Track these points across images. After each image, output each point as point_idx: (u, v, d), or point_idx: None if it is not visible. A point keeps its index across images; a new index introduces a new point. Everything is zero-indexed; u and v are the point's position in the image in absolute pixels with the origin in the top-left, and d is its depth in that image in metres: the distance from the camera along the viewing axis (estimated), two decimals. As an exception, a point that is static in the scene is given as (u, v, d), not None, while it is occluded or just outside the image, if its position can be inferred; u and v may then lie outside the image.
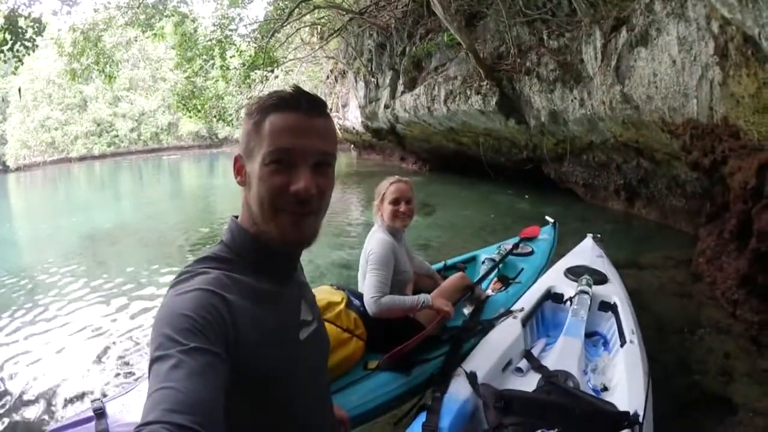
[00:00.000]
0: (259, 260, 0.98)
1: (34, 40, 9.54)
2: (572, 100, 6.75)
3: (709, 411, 2.84)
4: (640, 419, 1.74)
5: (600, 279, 3.06)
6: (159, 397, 0.67)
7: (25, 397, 3.39)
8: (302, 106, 0.94)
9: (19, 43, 9.35)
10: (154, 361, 0.74)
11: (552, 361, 2.28)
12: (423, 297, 2.47)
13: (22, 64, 10.07)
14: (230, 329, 0.83)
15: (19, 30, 9.29)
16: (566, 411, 1.76)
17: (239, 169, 1.00)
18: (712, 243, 4.38)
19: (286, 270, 1.06)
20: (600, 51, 5.71)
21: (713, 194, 4.55)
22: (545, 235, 4.24)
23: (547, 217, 4.58)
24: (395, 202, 2.63)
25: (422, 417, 1.88)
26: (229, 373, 0.78)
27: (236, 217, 1.04)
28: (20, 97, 32.57)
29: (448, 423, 1.84)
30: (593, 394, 2.07)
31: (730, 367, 3.19)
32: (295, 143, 0.92)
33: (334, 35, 14.08)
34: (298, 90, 0.96)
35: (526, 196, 9.89)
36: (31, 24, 9.45)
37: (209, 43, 13.02)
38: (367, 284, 2.42)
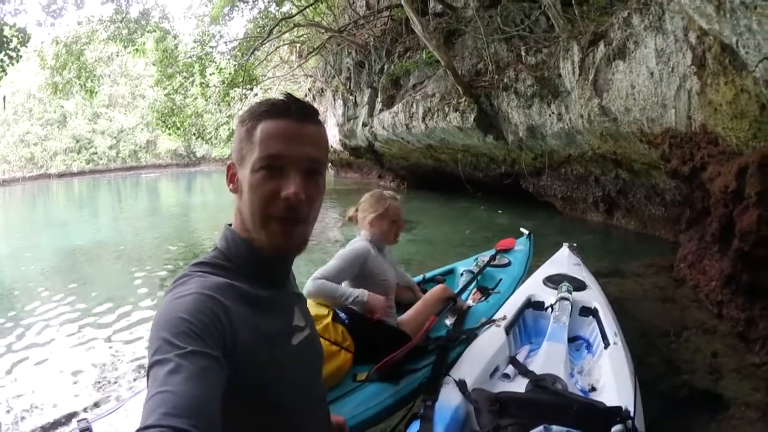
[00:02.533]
0: (254, 267, 0.99)
1: (19, 50, 9.44)
2: (550, 115, 6.91)
3: (701, 408, 2.88)
4: (632, 414, 1.79)
5: (579, 285, 3.12)
6: (157, 402, 0.67)
7: (8, 419, 3.27)
8: (294, 113, 0.95)
9: (3, 52, 9.23)
10: (152, 365, 0.74)
11: (538, 365, 2.31)
12: (358, 292, 2.48)
13: (6, 74, 9.91)
14: (227, 333, 0.83)
15: (4, 39, 9.17)
16: (562, 408, 1.79)
17: (232, 177, 1.00)
18: (693, 247, 4.50)
19: (279, 276, 1.07)
20: (578, 65, 5.87)
21: (692, 200, 4.68)
22: (521, 246, 4.31)
23: (522, 229, 4.66)
24: (397, 220, 2.75)
25: (415, 426, 1.89)
26: (226, 376, 0.79)
27: (230, 224, 1.04)
28: (4, 107, 31.69)
29: (442, 430, 1.85)
30: (581, 394, 2.10)
31: (718, 365, 3.24)
32: (285, 149, 0.93)
33: (313, 53, 14.20)
34: (289, 97, 0.98)
35: (500, 211, 10.04)
36: (16, 33, 9.36)
37: (189, 59, 13.05)
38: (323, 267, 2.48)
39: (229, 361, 0.80)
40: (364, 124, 12.99)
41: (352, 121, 14.07)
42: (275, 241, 0.96)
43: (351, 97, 14.07)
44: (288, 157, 0.93)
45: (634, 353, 2.53)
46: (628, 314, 4.17)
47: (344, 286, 2.52)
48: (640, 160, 6.00)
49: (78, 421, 1.90)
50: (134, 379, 3.70)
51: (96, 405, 3.37)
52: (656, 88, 4.56)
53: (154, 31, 13.04)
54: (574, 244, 4.13)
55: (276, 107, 0.95)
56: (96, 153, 38.26)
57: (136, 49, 13.15)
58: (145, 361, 3.44)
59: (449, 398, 2.02)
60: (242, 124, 0.97)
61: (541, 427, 1.60)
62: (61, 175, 36.06)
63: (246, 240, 0.99)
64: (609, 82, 5.33)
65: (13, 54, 9.37)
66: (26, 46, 9.66)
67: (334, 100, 15.54)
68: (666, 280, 4.90)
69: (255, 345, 0.89)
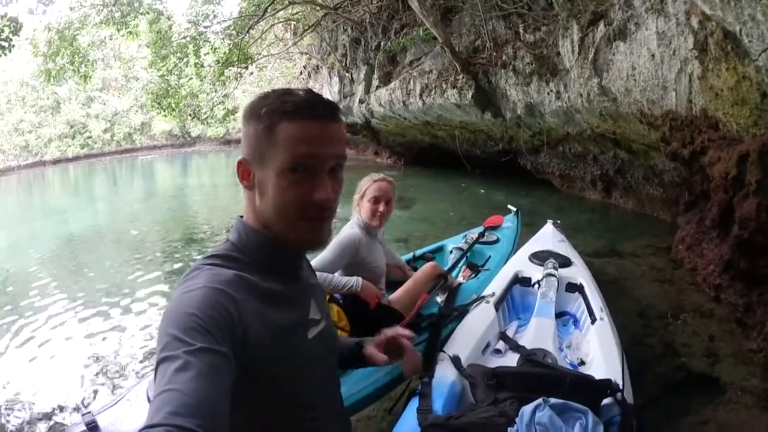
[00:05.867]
0: (268, 260, 0.97)
1: (11, 39, 9.32)
2: (548, 93, 6.87)
3: (698, 391, 2.94)
4: (621, 387, 1.86)
5: (564, 262, 3.18)
6: (164, 400, 0.66)
7: (10, 412, 3.26)
8: (318, 113, 0.92)
9: None
10: (160, 361, 0.73)
11: (528, 341, 2.38)
12: (352, 281, 2.51)
13: None
14: (238, 327, 0.82)
15: None
16: (557, 381, 1.85)
17: (244, 174, 0.97)
18: (691, 230, 4.53)
19: (294, 269, 1.05)
20: (577, 44, 5.82)
21: (691, 183, 4.70)
22: (509, 223, 4.37)
23: (509, 206, 4.71)
24: (375, 200, 2.68)
25: (415, 402, 1.94)
26: (236, 372, 0.78)
27: (242, 216, 1.02)
28: None
29: (441, 405, 1.91)
30: (571, 368, 2.18)
31: (715, 349, 3.31)
32: (314, 151, 0.90)
33: (309, 31, 13.95)
34: (312, 95, 0.95)
35: (482, 191, 10.09)
36: (8, 24, 9.22)
37: (183, 40, 12.83)
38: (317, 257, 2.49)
39: (239, 356, 0.79)
40: (361, 101, 12.86)
41: (348, 98, 13.93)
42: (303, 237, 0.96)
43: (347, 74, 13.92)
44: (317, 160, 0.91)
45: (631, 333, 2.56)
46: (627, 294, 4.24)
47: (337, 276, 2.53)
48: (639, 141, 6.00)
49: (83, 415, 1.90)
50: (136, 368, 3.69)
51: (98, 395, 3.37)
52: (657, 70, 4.54)
53: (147, 12, 12.80)
54: (558, 221, 4.19)
55: (300, 107, 0.91)
56: (90, 137, 37.57)
57: (130, 32, 12.87)
58: (146, 348, 3.43)
59: (445, 374, 2.10)
60: (259, 121, 0.93)
61: (540, 399, 1.66)
62: (56, 162, 35.42)
63: (260, 232, 0.97)
64: (609, 62, 5.30)
65: (5, 44, 9.26)
66: (18, 36, 9.53)
67: (330, 77, 15.35)
68: (664, 262, 4.95)
69: (267, 339, 0.87)
